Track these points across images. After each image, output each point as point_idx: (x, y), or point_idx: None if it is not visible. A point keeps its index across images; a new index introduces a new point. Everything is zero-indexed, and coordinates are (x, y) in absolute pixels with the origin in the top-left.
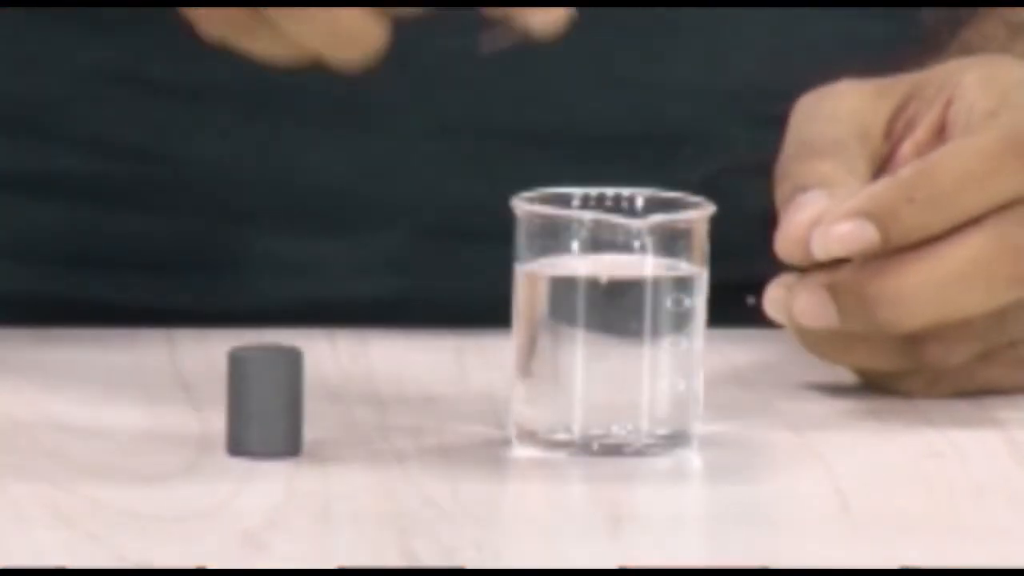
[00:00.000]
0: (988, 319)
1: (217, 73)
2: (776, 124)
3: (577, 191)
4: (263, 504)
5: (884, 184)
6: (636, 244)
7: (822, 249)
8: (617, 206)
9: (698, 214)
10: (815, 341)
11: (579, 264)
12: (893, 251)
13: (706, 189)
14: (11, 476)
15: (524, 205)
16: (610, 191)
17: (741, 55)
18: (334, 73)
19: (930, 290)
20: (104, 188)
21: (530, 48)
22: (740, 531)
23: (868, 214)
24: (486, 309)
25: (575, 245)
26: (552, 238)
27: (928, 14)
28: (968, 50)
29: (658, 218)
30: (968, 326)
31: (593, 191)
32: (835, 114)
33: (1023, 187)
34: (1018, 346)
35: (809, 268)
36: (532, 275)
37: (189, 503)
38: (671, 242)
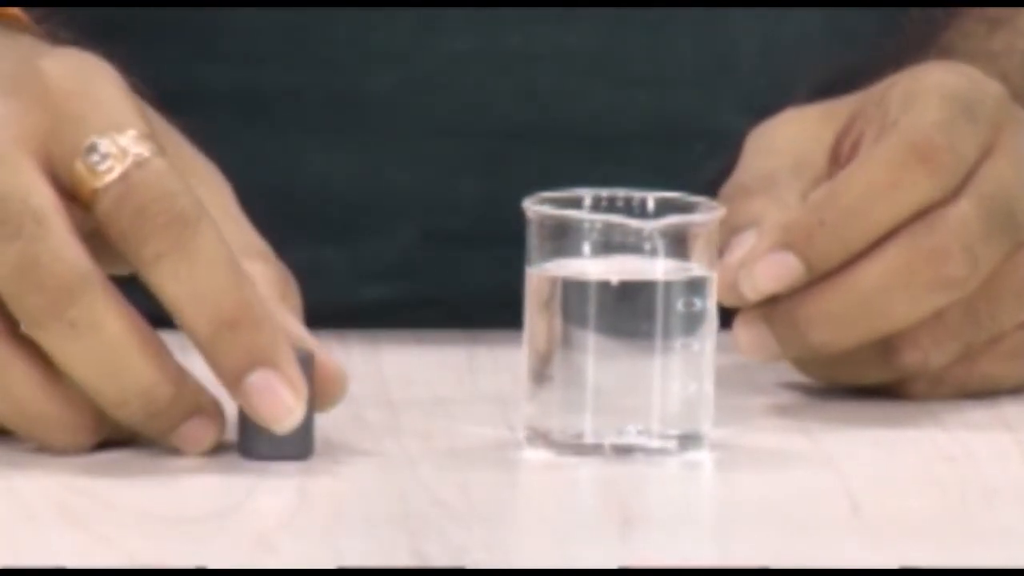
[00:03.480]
0: (958, 318)
1: (214, 78)
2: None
3: (588, 193)
4: (275, 506)
5: (797, 211)
6: (647, 246)
7: (751, 290)
8: (628, 208)
9: (709, 216)
10: (802, 364)
11: (590, 266)
12: (821, 275)
13: (716, 187)
14: (22, 477)
15: (535, 207)
16: (621, 193)
17: (745, 48)
18: (333, 75)
19: (855, 307)
20: None
21: (534, 47)
22: (751, 532)
23: (785, 244)
24: (493, 313)
25: (586, 247)
26: (563, 240)
27: (906, 20)
28: (948, 52)
29: (669, 220)
30: (940, 327)
31: (604, 192)
32: (772, 147)
33: (931, 192)
34: (1003, 340)
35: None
36: (543, 277)
37: (201, 505)
38: (682, 244)
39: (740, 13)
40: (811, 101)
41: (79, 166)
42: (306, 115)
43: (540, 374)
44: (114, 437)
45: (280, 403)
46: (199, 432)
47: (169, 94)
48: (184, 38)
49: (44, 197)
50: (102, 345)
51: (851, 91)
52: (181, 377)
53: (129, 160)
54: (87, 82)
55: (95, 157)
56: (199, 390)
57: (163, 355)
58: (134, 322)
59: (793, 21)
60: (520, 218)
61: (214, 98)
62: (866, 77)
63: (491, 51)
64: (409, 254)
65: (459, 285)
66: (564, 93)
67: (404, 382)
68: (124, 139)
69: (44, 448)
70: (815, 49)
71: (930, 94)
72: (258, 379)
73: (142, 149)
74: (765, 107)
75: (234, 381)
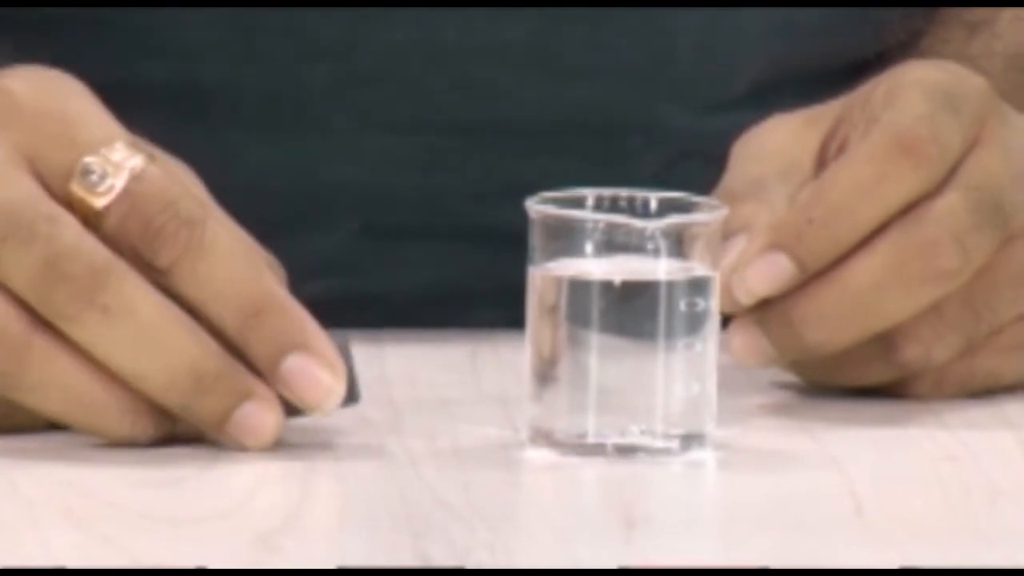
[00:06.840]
0: (956, 311)
1: (150, 73)
2: (721, 111)
3: (590, 193)
4: (276, 506)
5: (785, 211)
6: (650, 246)
7: (745, 293)
8: (630, 208)
9: (711, 216)
10: (803, 368)
11: (593, 266)
12: (813, 274)
13: (656, 180)
14: (25, 478)
15: (538, 207)
16: (623, 193)
17: (682, 42)
18: (270, 69)
19: (849, 305)
20: None
21: (472, 40)
22: (754, 533)
23: (775, 245)
24: (435, 308)
25: (589, 247)
26: (566, 240)
27: (889, 30)
28: (927, 57)
29: (672, 220)
30: (940, 321)
31: (606, 192)
32: (760, 153)
33: (917, 184)
34: (1003, 332)
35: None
36: (546, 277)
37: (201, 505)
38: (685, 244)
39: (678, 7)
40: (751, 96)
41: (76, 188)
42: (243, 110)
43: (543, 374)
44: (183, 433)
45: (319, 385)
46: (256, 419)
47: (105, 89)
48: (120, 33)
49: (51, 200)
50: (139, 326)
51: (797, 88)
52: (224, 354)
53: (125, 174)
54: (60, 100)
55: (92, 178)
56: (246, 372)
57: (200, 332)
58: (166, 303)
59: (731, 15)
60: (459, 211)
61: (151, 94)
62: (820, 75)
63: (428, 45)
64: (349, 249)
65: (399, 280)
66: (502, 87)
67: (407, 382)
68: (115, 154)
69: (108, 442)
70: (753, 43)
71: (912, 89)
72: (294, 363)
73: (135, 161)
74: (703, 101)
75: (271, 368)
